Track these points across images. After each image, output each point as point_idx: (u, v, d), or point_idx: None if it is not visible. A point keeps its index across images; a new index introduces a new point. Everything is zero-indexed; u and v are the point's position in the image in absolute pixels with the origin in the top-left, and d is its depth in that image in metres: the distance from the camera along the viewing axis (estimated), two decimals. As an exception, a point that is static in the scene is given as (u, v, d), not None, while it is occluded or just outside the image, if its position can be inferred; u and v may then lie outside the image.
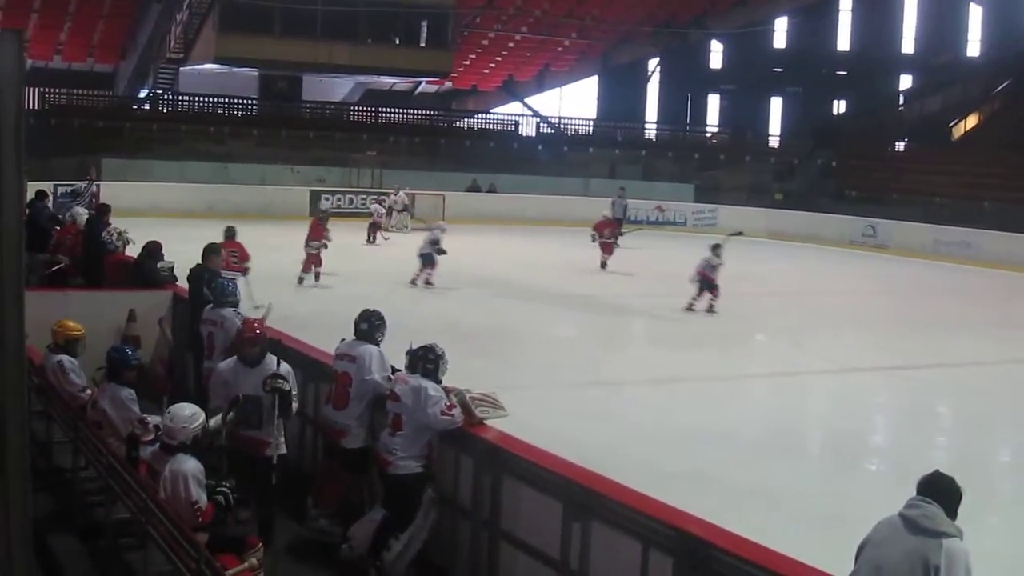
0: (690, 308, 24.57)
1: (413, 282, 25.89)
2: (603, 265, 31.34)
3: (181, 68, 51.60)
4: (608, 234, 31.76)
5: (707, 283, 24.75)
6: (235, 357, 10.13)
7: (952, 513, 5.83)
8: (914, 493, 5.96)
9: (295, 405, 9.82)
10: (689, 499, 8.20)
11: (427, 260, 26.17)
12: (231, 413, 9.48)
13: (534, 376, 17.99)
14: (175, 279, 16.50)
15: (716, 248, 25.07)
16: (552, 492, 8.29)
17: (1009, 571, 10.00)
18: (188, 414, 8.45)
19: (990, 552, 10.01)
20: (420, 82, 60.74)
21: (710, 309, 24.60)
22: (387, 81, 59.04)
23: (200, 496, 7.99)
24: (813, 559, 6.64)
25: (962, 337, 24.30)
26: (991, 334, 24.90)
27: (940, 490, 5.90)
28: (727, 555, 6.79)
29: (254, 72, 54.47)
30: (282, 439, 9.74)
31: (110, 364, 10.49)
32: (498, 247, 35.14)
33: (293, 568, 9.48)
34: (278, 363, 9.68)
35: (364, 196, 44.89)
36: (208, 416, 8.80)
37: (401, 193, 41.49)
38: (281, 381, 9.53)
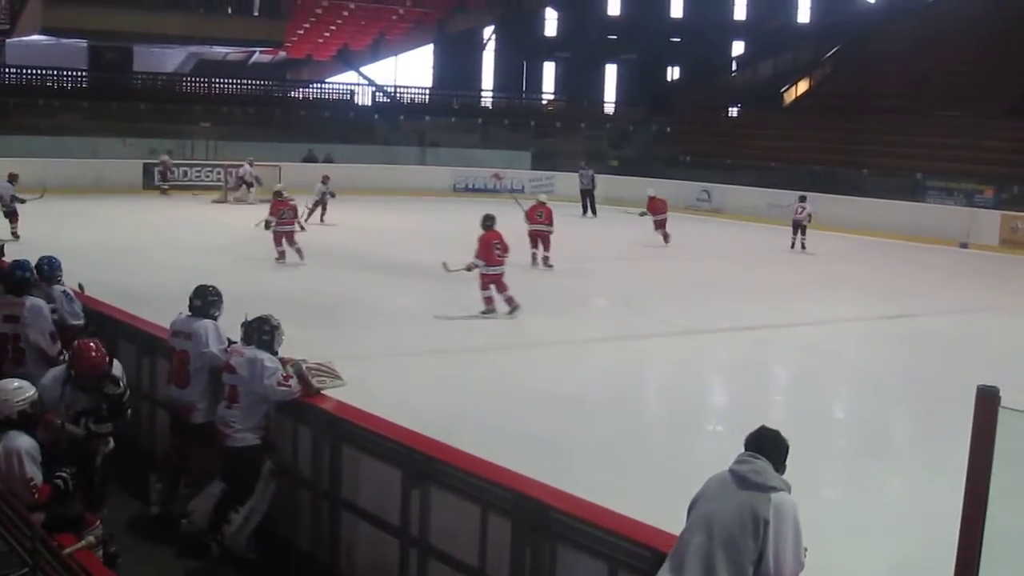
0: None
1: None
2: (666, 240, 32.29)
3: (7, 40, 50.35)
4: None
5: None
6: (65, 370, 9.07)
7: (780, 467, 5.96)
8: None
9: (128, 405, 9.23)
10: (531, 463, 8.24)
11: None
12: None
13: (374, 345, 17.91)
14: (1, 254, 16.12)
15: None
16: (391, 460, 8.30)
17: (846, 524, 10.23)
18: (14, 387, 8.06)
19: (826, 504, 10.30)
20: (254, 52, 60.12)
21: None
22: (220, 51, 58.26)
23: (35, 473, 7.75)
24: (650, 518, 6.72)
25: (796, 298, 24.85)
26: (823, 294, 25.49)
27: (767, 444, 6.02)
28: (564, 516, 6.86)
29: (83, 43, 53.21)
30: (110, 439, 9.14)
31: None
32: (335, 217, 34.84)
33: (133, 545, 9.31)
34: (110, 361, 9.04)
35: (199, 168, 44.38)
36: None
37: (248, 166, 41.21)
38: (112, 386, 8.95)
